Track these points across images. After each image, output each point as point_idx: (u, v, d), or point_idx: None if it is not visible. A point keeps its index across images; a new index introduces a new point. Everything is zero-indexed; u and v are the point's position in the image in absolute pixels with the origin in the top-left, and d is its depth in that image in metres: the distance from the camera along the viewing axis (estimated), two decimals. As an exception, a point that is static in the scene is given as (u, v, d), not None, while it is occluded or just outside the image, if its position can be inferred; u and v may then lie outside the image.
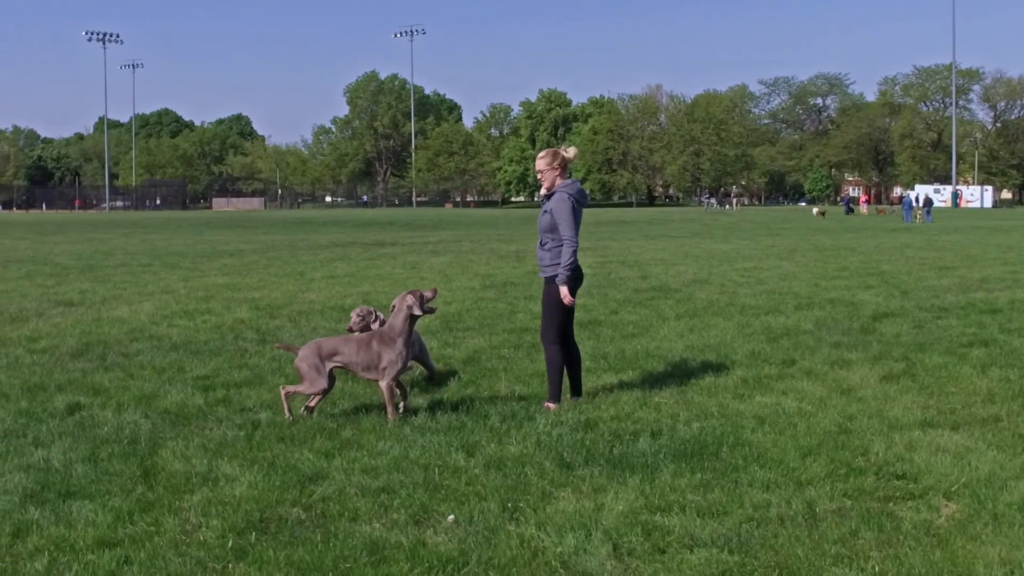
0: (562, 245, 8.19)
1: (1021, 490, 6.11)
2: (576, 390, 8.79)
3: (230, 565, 5.09)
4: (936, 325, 12.90)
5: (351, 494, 6.20)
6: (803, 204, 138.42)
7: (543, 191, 8.46)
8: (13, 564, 5.14)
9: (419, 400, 8.82)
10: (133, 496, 6.23)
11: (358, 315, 9.10)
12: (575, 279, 8.40)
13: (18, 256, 30.04)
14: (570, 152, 8.42)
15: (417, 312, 8.11)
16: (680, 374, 9.84)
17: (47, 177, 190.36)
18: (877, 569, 4.95)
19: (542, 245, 8.36)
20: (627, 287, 18.25)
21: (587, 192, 8.47)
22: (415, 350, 9.03)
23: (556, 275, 8.26)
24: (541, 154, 8.43)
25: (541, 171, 8.38)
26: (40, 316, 14.86)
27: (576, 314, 13.89)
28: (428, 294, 8.32)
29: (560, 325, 8.44)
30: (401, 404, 8.29)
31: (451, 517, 5.78)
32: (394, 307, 8.24)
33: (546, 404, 8.41)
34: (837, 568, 4.96)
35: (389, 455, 7.03)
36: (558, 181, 8.35)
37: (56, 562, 5.15)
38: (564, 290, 8.24)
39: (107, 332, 13.01)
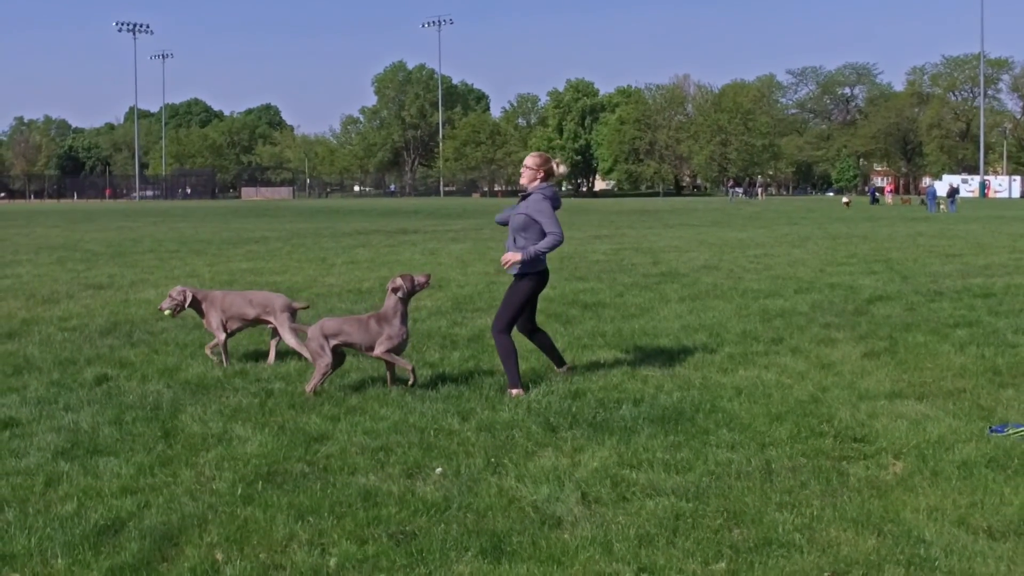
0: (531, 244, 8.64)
1: (966, 451, 6.65)
2: (559, 362, 9.33)
3: (238, 509, 5.70)
4: (928, 308, 13.40)
5: (352, 452, 6.82)
6: (831, 194, 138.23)
7: (525, 186, 8.86)
8: (46, 507, 5.77)
9: (424, 371, 9.43)
10: (154, 453, 6.86)
11: (171, 297, 10.11)
12: (539, 281, 8.89)
13: (50, 243, 30.85)
14: (561, 169, 8.95)
15: (402, 295, 8.65)
16: (671, 351, 10.41)
17: (78, 167, 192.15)
18: (815, 514, 5.51)
19: (514, 243, 8.72)
20: (637, 272, 18.82)
21: (559, 196, 8.96)
22: None
23: (525, 272, 8.71)
24: (535, 154, 8.90)
25: (529, 167, 8.77)
26: (71, 298, 15.56)
27: (582, 296, 14.54)
28: (420, 279, 8.83)
29: (512, 318, 8.78)
30: (388, 376, 8.84)
31: (439, 470, 6.40)
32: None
33: (509, 391, 8.56)
34: (779, 513, 5.53)
35: (390, 419, 7.64)
36: (536, 183, 8.78)
37: (84, 506, 5.77)
38: (516, 257, 8.57)
39: (134, 312, 13.67)
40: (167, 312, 10.12)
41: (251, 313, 9.98)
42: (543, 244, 8.61)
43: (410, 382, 8.65)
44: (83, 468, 6.51)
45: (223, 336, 9.95)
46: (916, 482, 6.06)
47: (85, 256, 24.89)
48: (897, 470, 6.35)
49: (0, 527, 5.44)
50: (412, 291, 8.72)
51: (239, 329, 10.16)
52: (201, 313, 10.14)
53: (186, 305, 10.08)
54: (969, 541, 5.12)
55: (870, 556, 4.93)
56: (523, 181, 8.84)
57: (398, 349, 8.67)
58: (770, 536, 5.18)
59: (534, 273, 8.79)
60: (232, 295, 10.21)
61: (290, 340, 9.86)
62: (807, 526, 5.34)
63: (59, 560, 4.98)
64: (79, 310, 14.06)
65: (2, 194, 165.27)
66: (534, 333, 9.22)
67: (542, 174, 8.75)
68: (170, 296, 10.13)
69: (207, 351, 10.13)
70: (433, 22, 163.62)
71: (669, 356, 10.11)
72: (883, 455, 6.66)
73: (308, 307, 10.71)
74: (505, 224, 8.97)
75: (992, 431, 7.17)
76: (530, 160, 8.83)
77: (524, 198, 8.79)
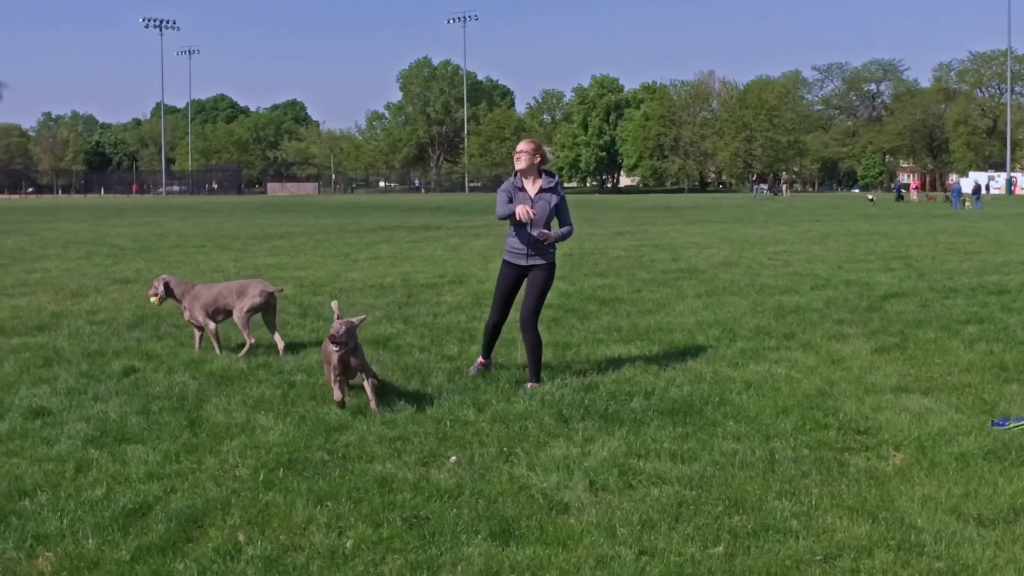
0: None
1: (965, 444, 6.85)
2: (488, 350, 9.48)
3: (260, 494, 5.96)
4: (941, 304, 13.56)
5: (370, 441, 7.07)
6: (856, 191, 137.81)
7: (519, 175, 8.90)
8: (77, 492, 6.05)
9: (442, 365, 9.67)
10: (179, 441, 7.12)
11: (153, 286, 10.63)
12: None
13: (78, 238, 31.26)
14: (551, 154, 9.07)
15: (337, 350, 7.99)
16: (684, 345, 10.62)
17: (105, 162, 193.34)
18: (813, 502, 5.74)
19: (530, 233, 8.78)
20: (656, 268, 19.00)
21: None
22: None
23: (549, 262, 8.94)
24: (529, 140, 8.99)
25: (526, 152, 8.81)
26: (99, 292, 15.88)
27: (600, 292, 14.78)
28: (334, 329, 8.05)
29: (540, 310, 9.08)
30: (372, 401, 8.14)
31: (453, 458, 6.64)
32: None
33: (533, 385, 8.76)
34: (778, 501, 5.76)
35: (407, 410, 7.87)
36: (542, 175, 8.89)
37: (112, 490, 6.05)
38: (550, 234, 8.75)
39: (161, 307, 13.93)
40: (153, 300, 10.59)
41: (234, 302, 10.41)
42: (565, 232, 8.97)
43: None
44: (112, 455, 6.79)
45: (213, 326, 10.35)
46: (914, 473, 6.27)
47: (112, 251, 25.26)
48: (897, 461, 6.55)
49: (34, 510, 5.72)
50: (336, 344, 8.03)
51: (224, 319, 10.57)
52: (179, 302, 10.56)
53: (159, 290, 10.51)
54: (959, 528, 5.33)
55: (862, 541, 5.15)
56: (522, 166, 8.83)
57: (337, 374, 8.09)
58: (768, 522, 5.41)
59: (554, 263, 9.05)
60: (217, 287, 10.57)
61: (239, 319, 10.32)
62: (805, 513, 5.56)
63: (89, 540, 5.24)
64: (107, 304, 14.37)
65: (30, 189, 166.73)
66: (504, 322, 9.35)
67: (538, 158, 8.87)
68: (153, 285, 10.62)
69: (220, 350, 10.43)
70: (458, 18, 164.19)
71: (682, 351, 10.33)
72: (884, 447, 6.87)
73: (282, 290, 11.01)
74: (510, 216, 8.78)
75: (994, 425, 7.37)
76: (527, 146, 8.88)
77: (540, 189, 8.84)
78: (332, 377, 8.00)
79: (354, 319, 8.16)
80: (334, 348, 7.87)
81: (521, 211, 8.55)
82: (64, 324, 12.43)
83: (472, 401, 8.15)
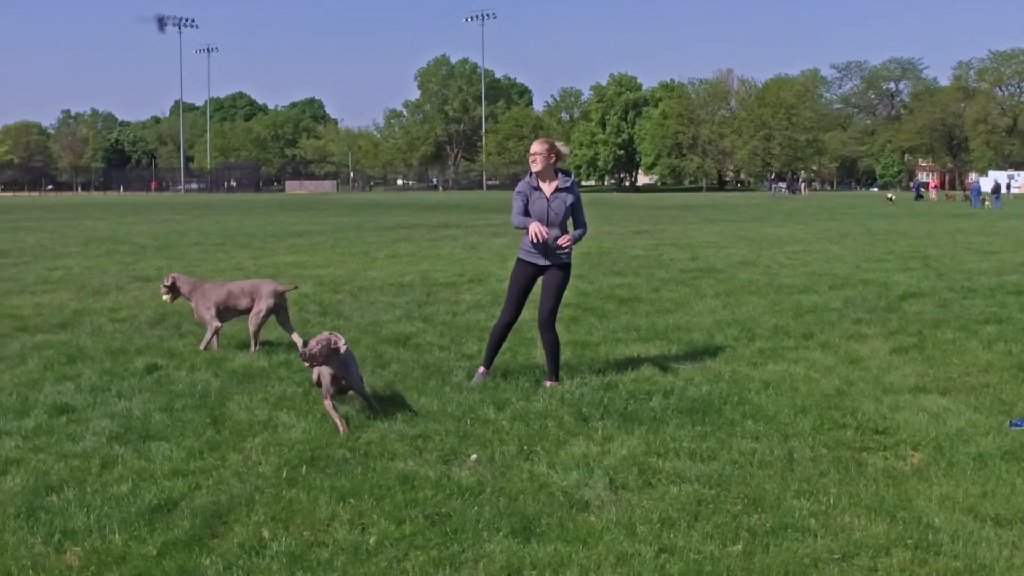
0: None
1: (983, 444, 6.88)
2: (490, 358, 9.29)
3: (283, 490, 6.04)
4: (960, 305, 13.56)
5: (392, 439, 7.13)
6: (875, 190, 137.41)
7: (535, 175, 8.72)
8: (103, 488, 6.13)
9: (462, 364, 9.73)
10: (203, 438, 7.20)
11: (163, 284, 10.82)
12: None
13: (98, 235, 31.44)
14: (566, 149, 8.95)
15: (308, 366, 7.89)
16: (703, 345, 10.67)
17: (124, 160, 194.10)
18: (831, 501, 5.78)
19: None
20: (675, 268, 19.02)
21: None
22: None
23: (566, 263, 8.83)
24: (540, 140, 8.77)
25: (539, 153, 8.64)
26: (120, 290, 16.00)
27: (619, 291, 14.83)
28: (309, 345, 7.89)
29: (558, 310, 8.97)
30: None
31: (474, 456, 6.71)
32: None
33: (552, 383, 8.79)
34: (797, 500, 5.81)
35: (428, 409, 7.94)
36: (558, 175, 8.74)
37: (138, 486, 6.13)
38: (567, 239, 8.60)
39: (182, 304, 13.99)
40: (165, 298, 10.76)
41: (244, 302, 10.51)
42: (580, 234, 8.87)
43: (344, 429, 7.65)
44: (136, 452, 6.88)
45: (218, 324, 10.46)
46: (931, 472, 6.31)
47: (133, 249, 25.42)
48: (915, 461, 6.59)
49: (61, 505, 5.80)
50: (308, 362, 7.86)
51: (230, 318, 10.70)
52: (190, 300, 10.68)
53: (165, 284, 10.69)
54: (976, 528, 5.37)
55: (879, 540, 5.20)
56: (538, 168, 8.65)
57: (330, 392, 7.84)
58: (786, 521, 5.45)
59: (570, 263, 8.97)
60: (227, 287, 10.65)
61: (253, 323, 10.40)
62: (823, 512, 5.60)
63: (116, 536, 5.32)
64: (128, 301, 14.49)
65: (50, 186, 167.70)
66: (515, 322, 9.17)
67: (553, 158, 8.69)
68: (163, 283, 10.79)
69: (205, 346, 10.57)
70: (476, 16, 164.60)
71: (701, 350, 10.37)
72: (902, 447, 6.91)
73: (296, 287, 11.12)
74: (524, 228, 8.67)
75: (1012, 425, 7.39)
76: (540, 147, 8.68)
77: (556, 189, 8.70)
78: (329, 405, 7.62)
79: (341, 348, 7.66)
80: (305, 364, 7.75)
81: (534, 231, 8.41)
82: (86, 322, 12.54)
83: (492, 400, 8.20)
